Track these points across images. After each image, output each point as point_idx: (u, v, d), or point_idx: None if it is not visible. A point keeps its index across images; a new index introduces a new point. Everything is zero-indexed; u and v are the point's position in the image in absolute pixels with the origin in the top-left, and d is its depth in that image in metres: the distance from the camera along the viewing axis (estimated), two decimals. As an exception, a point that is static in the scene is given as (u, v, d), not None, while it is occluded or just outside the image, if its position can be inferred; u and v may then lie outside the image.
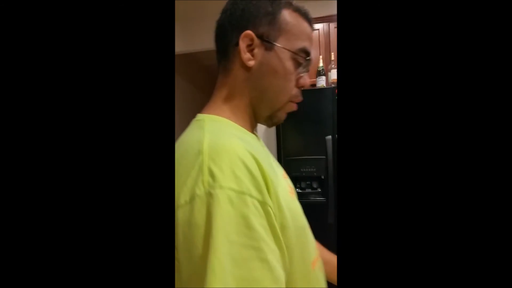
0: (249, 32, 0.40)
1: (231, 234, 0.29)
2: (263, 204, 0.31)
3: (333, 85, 1.73)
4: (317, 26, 2.16)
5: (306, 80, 0.43)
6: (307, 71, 0.44)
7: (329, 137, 1.63)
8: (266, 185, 0.33)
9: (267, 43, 0.40)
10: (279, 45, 0.40)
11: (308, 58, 0.42)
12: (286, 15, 0.41)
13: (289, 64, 0.41)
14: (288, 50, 0.40)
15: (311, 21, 0.43)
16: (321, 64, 1.83)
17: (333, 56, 1.90)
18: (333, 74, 1.83)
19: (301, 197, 1.65)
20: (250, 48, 0.41)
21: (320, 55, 1.97)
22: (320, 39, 2.14)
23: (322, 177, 1.65)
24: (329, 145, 1.62)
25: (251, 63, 0.41)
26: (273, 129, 1.86)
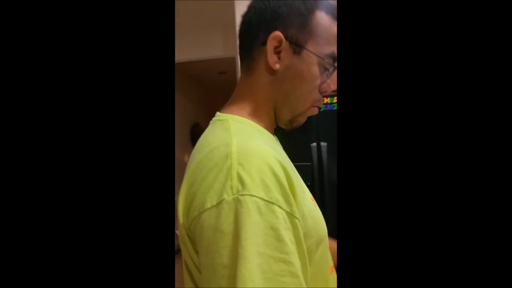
0: (278, 33, 0.38)
1: (261, 246, 0.27)
2: (290, 216, 0.30)
3: (316, 95, 1.80)
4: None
5: (330, 85, 0.42)
6: (331, 75, 0.41)
7: (314, 144, 1.69)
8: (293, 195, 0.31)
9: (296, 46, 0.38)
10: (308, 49, 0.38)
11: (335, 63, 0.41)
12: (319, 17, 0.39)
13: (315, 69, 0.39)
14: (317, 55, 0.38)
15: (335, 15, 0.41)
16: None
17: None
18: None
19: (288, 203, 1.70)
20: (277, 50, 0.39)
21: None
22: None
23: (308, 183, 1.70)
24: (314, 152, 1.69)
25: (277, 66, 0.39)
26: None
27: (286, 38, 0.38)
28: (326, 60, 0.39)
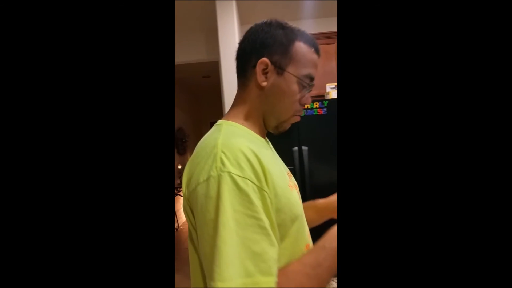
0: (265, 59, 0.49)
1: (236, 205, 0.38)
2: (260, 189, 0.41)
3: (298, 100, 1.84)
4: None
5: (308, 99, 0.53)
6: (310, 91, 0.53)
7: (296, 148, 1.72)
8: (264, 175, 0.42)
9: (279, 69, 0.49)
10: (288, 71, 0.49)
11: (311, 82, 0.51)
12: (297, 46, 0.50)
13: (295, 87, 0.50)
14: (295, 76, 0.49)
15: (318, 49, 0.53)
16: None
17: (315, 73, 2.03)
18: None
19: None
20: (265, 71, 0.50)
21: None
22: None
23: (291, 186, 1.73)
24: (296, 156, 1.72)
25: (264, 84, 0.50)
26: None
27: (271, 62, 0.49)
28: (303, 80, 0.50)
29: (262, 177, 0.41)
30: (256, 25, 0.52)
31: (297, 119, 0.54)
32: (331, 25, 2.54)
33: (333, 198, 0.69)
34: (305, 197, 1.72)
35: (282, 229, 0.44)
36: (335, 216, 0.66)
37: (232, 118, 0.52)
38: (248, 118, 0.52)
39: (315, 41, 0.52)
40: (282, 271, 0.40)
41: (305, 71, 0.50)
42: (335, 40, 2.32)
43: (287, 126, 0.54)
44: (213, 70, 3.22)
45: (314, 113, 1.72)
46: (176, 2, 2.06)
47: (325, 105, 1.71)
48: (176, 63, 2.35)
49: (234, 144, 0.42)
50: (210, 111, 4.88)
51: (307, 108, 1.73)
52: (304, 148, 1.71)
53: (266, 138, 0.59)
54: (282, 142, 1.74)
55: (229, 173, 0.39)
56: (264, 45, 0.49)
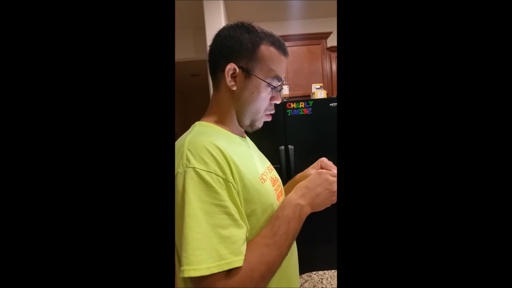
0: (232, 64, 0.51)
1: (203, 196, 0.41)
2: (225, 180, 0.44)
3: (284, 100, 1.88)
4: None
5: (278, 97, 0.56)
6: (280, 90, 0.56)
7: (282, 147, 1.76)
8: (229, 168, 0.45)
9: (246, 73, 0.52)
10: (255, 75, 0.52)
11: (280, 82, 0.54)
12: (263, 49, 0.52)
13: (263, 89, 0.53)
14: (262, 79, 0.52)
15: (285, 50, 0.54)
16: (274, 80, 1.98)
17: (284, 73, 2.07)
18: (285, 90, 1.99)
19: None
20: (233, 75, 0.52)
21: (273, 71, 2.12)
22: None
23: (277, 184, 1.76)
24: (282, 155, 1.75)
25: (234, 87, 0.53)
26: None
27: (239, 67, 0.52)
28: (270, 81, 0.53)
29: (227, 170, 0.44)
30: (223, 29, 0.54)
31: (269, 118, 0.58)
32: (318, 26, 2.58)
33: (308, 170, 0.71)
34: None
35: (253, 219, 0.47)
36: None
37: (206, 119, 0.56)
38: (221, 118, 0.55)
39: (281, 42, 0.54)
40: (246, 246, 0.44)
41: (272, 73, 0.53)
42: (321, 41, 2.37)
43: (259, 124, 0.57)
44: (201, 68, 3.21)
45: (300, 113, 1.76)
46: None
47: (311, 105, 1.75)
48: None
49: (198, 142, 0.45)
50: (199, 110, 4.83)
51: (293, 108, 1.76)
52: (290, 147, 1.75)
53: (246, 136, 0.63)
54: (269, 141, 1.77)
55: (194, 168, 0.42)
56: (231, 50, 0.52)
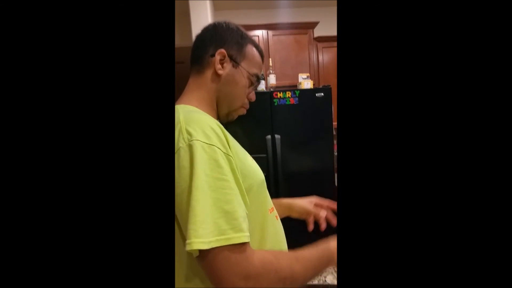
0: (223, 50, 0.55)
1: (207, 170, 0.41)
2: (226, 154, 0.45)
3: (271, 89, 1.87)
4: (257, 32, 2.29)
5: (253, 95, 0.61)
6: (255, 89, 0.62)
7: (269, 136, 1.76)
8: (228, 143, 0.46)
9: (234, 62, 0.56)
10: (241, 66, 0.57)
11: (258, 81, 0.60)
12: (249, 48, 0.58)
13: (246, 81, 0.57)
14: (247, 71, 0.57)
15: (263, 55, 0.61)
16: (261, 69, 1.96)
17: (271, 62, 2.06)
18: (271, 79, 1.98)
19: (245, 194, 1.75)
20: (222, 61, 0.55)
21: (260, 60, 2.10)
22: (260, 45, 2.27)
23: (264, 174, 1.77)
24: (269, 144, 1.76)
25: (221, 72, 0.55)
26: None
27: (228, 55, 0.56)
28: (252, 77, 0.58)
29: (226, 144, 0.46)
30: (217, 22, 0.59)
31: (243, 111, 0.61)
32: (305, 16, 2.57)
33: (297, 201, 0.74)
34: (277, 184, 1.79)
35: (251, 194, 0.49)
36: (291, 214, 0.73)
37: (185, 102, 0.56)
38: (201, 103, 0.56)
39: (260, 48, 0.61)
40: (264, 252, 0.45)
41: (254, 70, 0.58)
42: (308, 31, 2.36)
43: (234, 116, 0.61)
44: (187, 56, 3.12)
45: (287, 103, 1.76)
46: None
47: (297, 94, 1.76)
48: None
49: (196, 117, 0.46)
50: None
51: (280, 98, 1.76)
52: (277, 136, 1.76)
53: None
54: (256, 130, 1.77)
55: (198, 141, 0.42)
56: (223, 39, 0.56)
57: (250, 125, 1.76)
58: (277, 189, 1.78)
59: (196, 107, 0.54)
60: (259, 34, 2.29)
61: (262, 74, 1.95)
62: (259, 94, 1.82)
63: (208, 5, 1.93)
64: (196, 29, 1.88)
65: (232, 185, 0.43)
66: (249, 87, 0.59)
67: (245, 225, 0.42)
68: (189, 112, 0.49)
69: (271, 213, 0.56)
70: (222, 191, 0.41)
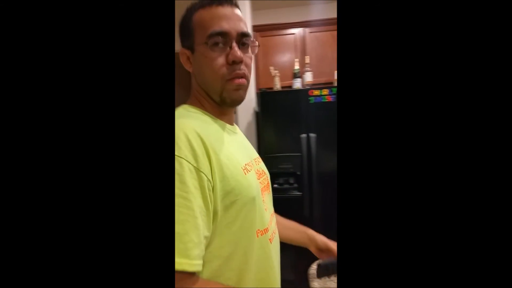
0: (181, 49, 0.53)
1: None
2: (196, 169, 0.41)
3: (307, 87, 1.85)
4: (293, 30, 2.27)
5: (235, 53, 0.48)
6: (229, 45, 0.49)
7: (304, 135, 1.75)
8: (207, 156, 0.43)
9: (190, 49, 0.52)
10: (195, 45, 0.50)
11: (221, 36, 0.48)
12: (195, 18, 0.50)
13: (208, 52, 0.48)
14: (201, 42, 0.49)
15: (220, 2, 0.49)
16: (296, 67, 1.95)
17: (307, 60, 2.03)
18: (308, 77, 1.95)
19: (278, 192, 1.76)
20: (187, 59, 0.53)
21: (296, 58, 2.09)
22: (296, 43, 2.26)
23: (298, 173, 1.77)
24: (304, 143, 1.74)
25: (190, 69, 0.53)
26: (253, 127, 1.96)
27: (185, 48, 0.52)
28: (210, 40, 0.48)
29: (202, 158, 0.41)
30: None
31: (235, 83, 0.50)
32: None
33: (332, 244, 0.69)
34: (311, 184, 1.76)
35: (232, 211, 0.45)
36: (309, 247, 0.70)
37: (189, 102, 0.55)
38: (199, 100, 0.53)
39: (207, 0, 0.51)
40: (203, 282, 0.41)
41: (209, 30, 0.48)
42: (347, 26, 2.28)
43: (231, 95, 0.50)
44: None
45: (323, 100, 1.73)
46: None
47: (334, 92, 1.71)
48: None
49: (178, 125, 0.42)
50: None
51: (316, 95, 1.74)
52: (312, 135, 1.73)
53: (234, 124, 0.60)
54: (290, 128, 1.76)
55: None
56: (180, 36, 0.53)
57: (284, 123, 1.76)
58: (311, 189, 1.76)
59: (199, 106, 0.53)
60: (295, 32, 2.27)
61: (298, 70, 1.93)
62: (294, 92, 1.81)
63: (247, 6, 1.96)
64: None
65: (191, 204, 0.39)
66: (215, 52, 0.48)
67: (195, 251, 0.39)
68: (178, 115, 0.47)
69: (261, 236, 0.50)
70: (178, 209, 0.38)
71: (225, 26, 0.48)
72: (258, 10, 2.29)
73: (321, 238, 0.69)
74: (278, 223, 0.65)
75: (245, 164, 0.50)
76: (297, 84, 1.91)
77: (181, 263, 0.38)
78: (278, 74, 1.98)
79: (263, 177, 0.57)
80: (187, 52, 0.52)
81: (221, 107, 0.53)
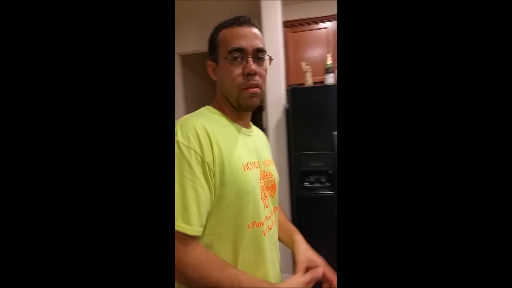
0: (208, 61, 0.64)
1: (179, 168, 0.50)
2: (202, 159, 0.51)
3: (340, 83, 1.78)
4: (325, 24, 2.20)
5: (250, 66, 0.58)
6: (246, 59, 0.58)
7: (335, 133, 1.69)
8: (211, 149, 0.52)
9: (215, 62, 0.62)
10: (219, 58, 0.60)
11: (239, 51, 0.57)
12: (220, 36, 0.60)
13: (228, 66, 0.58)
14: (223, 56, 0.59)
15: (238, 21, 0.59)
16: (329, 62, 1.89)
17: (245, 42, 1.95)
18: (341, 72, 1.88)
19: (309, 191, 1.73)
20: (213, 70, 0.64)
21: (328, 53, 2.02)
22: (328, 37, 2.18)
23: (330, 171, 1.72)
24: (336, 140, 1.69)
25: (215, 78, 0.64)
26: (283, 124, 1.94)
27: (212, 60, 0.63)
28: (229, 55, 0.58)
29: (207, 151, 0.51)
30: None
31: (253, 90, 0.58)
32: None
33: (302, 248, 0.68)
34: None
35: (226, 200, 0.53)
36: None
37: (212, 104, 0.65)
38: (220, 103, 0.63)
39: (235, 18, 0.59)
40: (205, 254, 0.50)
41: (229, 47, 0.57)
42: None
43: (246, 102, 0.59)
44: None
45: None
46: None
47: (370, 88, 1.63)
48: (194, 51, 2.41)
49: (189, 121, 0.53)
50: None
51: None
52: (345, 132, 1.67)
53: (251, 126, 0.69)
54: (322, 126, 1.72)
55: (177, 141, 0.50)
56: (208, 50, 0.64)
57: (316, 120, 1.72)
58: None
59: (218, 108, 0.63)
60: (327, 26, 2.20)
61: (330, 65, 1.87)
62: (326, 88, 1.76)
63: (278, 4, 1.94)
64: (268, 27, 1.92)
65: (195, 185, 0.49)
66: (234, 65, 0.58)
67: (196, 220, 0.49)
68: (195, 114, 0.58)
69: (256, 228, 0.56)
70: (186, 188, 0.49)
71: (243, 43, 0.57)
72: (288, 5, 2.25)
73: (302, 257, 0.65)
74: (283, 226, 0.73)
75: (248, 163, 0.58)
76: (330, 79, 1.85)
77: (183, 227, 0.48)
78: (309, 70, 1.94)
79: (269, 179, 0.65)
80: (213, 64, 0.63)
81: (238, 112, 0.63)
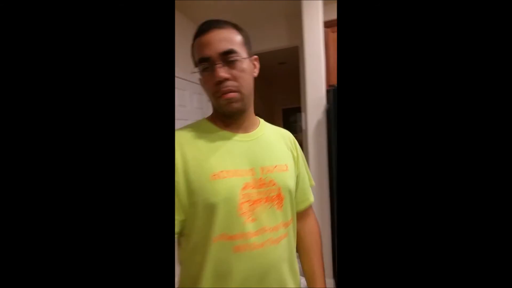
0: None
1: None
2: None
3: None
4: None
5: (217, 74, 0.55)
6: (211, 68, 0.56)
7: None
8: (186, 157, 0.54)
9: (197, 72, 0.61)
10: (194, 71, 0.60)
11: (204, 59, 0.56)
12: (193, 48, 0.60)
13: (202, 76, 0.58)
14: (194, 72, 0.60)
15: (201, 31, 0.57)
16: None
17: (209, 51, 1.86)
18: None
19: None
20: (199, 79, 0.62)
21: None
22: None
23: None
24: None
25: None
26: (323, 125, 1.91)
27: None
28: (199, 66, 0.58)
29: (177, 159, 0.53)
30: None
31: (227, 96, 0.56)
32: None
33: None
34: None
35: (192, 210, 0.53)
36: None
37: (210, 115, 0.65)
38: (213, 112, 0.64)
39: (199, 26, 0.58)
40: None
41: (196, 58, 0.58)
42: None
43: (227, 108, 0.58)
44: (290, 56, 3.22)
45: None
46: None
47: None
48: (258, 51, 2.44)
49: (176, 132, 0.56)
50: (283, 98, 4.92)
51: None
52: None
53: (251, 131, 0.63)
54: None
55: None
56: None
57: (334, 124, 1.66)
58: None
59: (210, 118, 0.64)
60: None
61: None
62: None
63: (320, 5, 1.93)
64: (308, 27, 1.91)
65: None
66: (205, 73, 0.57)
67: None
68: (187, 126, 0.61)
69: (219, 241, 0.52)
70: None
71: (206, 52, 0.55)
72: (329, 4, 2.22)
73: None
74: (307, 248, 0.70)
75: (222, 171, 0.54)
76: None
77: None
78: (352, 70, 1.88)
79: (269, 188, 0.58)
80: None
81: (229, 117, 0.60)
